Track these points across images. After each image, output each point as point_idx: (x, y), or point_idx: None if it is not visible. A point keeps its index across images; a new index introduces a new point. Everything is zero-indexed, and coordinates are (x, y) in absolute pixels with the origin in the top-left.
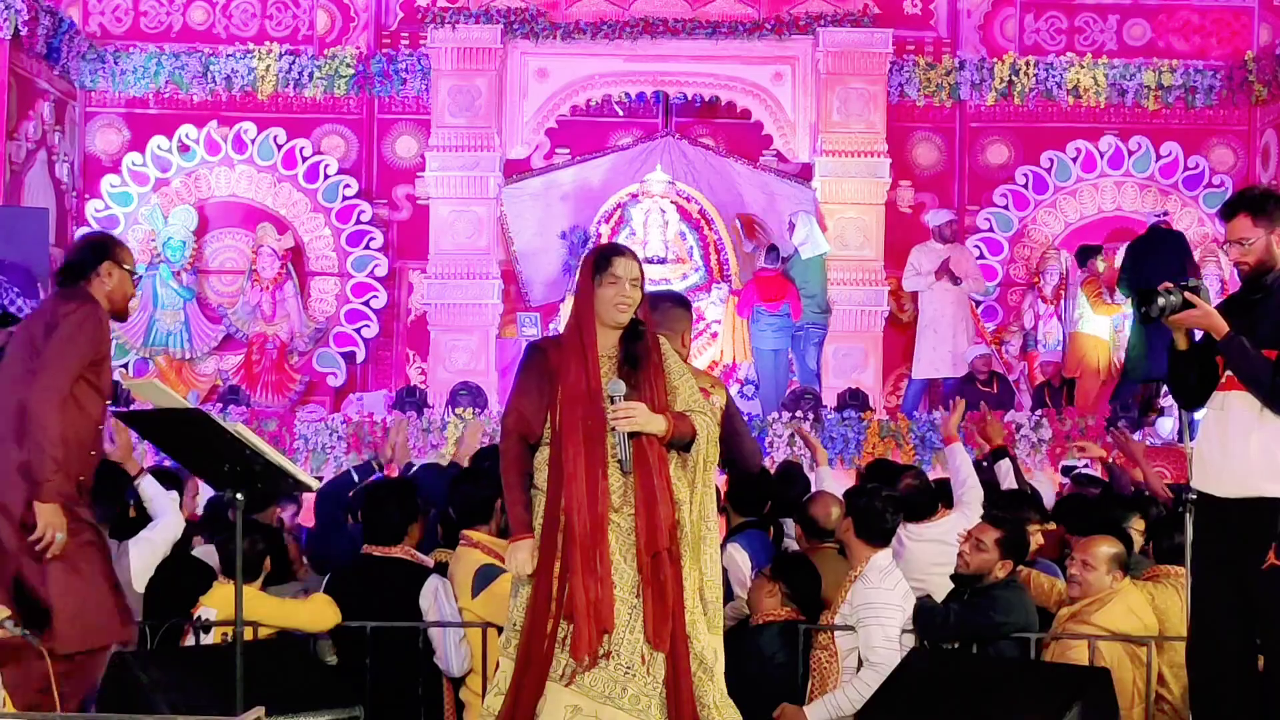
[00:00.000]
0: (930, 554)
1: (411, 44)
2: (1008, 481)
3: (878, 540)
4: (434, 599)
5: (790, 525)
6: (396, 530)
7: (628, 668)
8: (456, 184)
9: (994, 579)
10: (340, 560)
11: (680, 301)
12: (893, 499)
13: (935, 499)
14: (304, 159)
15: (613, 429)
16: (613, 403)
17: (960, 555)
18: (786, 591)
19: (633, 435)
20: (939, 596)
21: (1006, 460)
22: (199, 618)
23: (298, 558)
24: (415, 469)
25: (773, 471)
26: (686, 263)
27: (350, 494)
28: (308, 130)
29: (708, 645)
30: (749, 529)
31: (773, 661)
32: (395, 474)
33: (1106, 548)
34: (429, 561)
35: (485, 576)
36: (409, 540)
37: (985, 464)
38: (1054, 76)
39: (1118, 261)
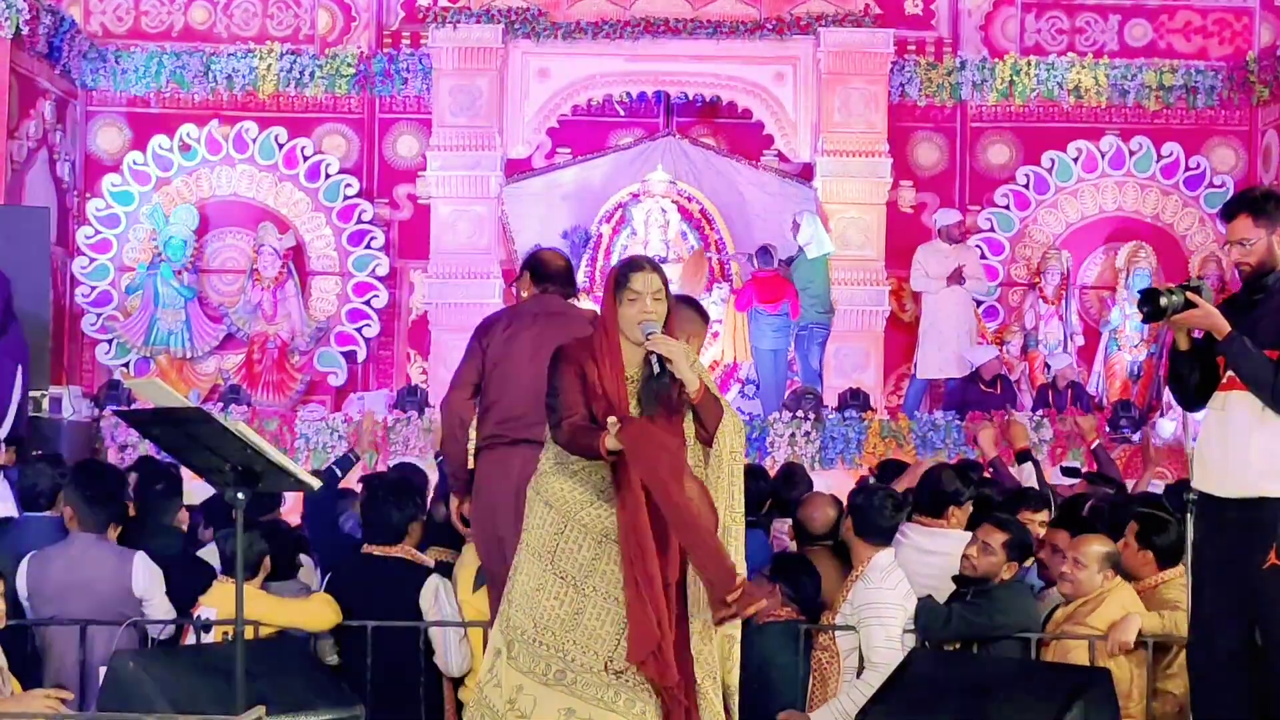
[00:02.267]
0: (911, 560)
1: (413, 43)
2: (1029, 484)
3: (878, 539)
4: (434, 599)
5: (782, 525)
6: (397, 530)
7: (618, 673)
8: (457, 184)
9: (999, 580)
10: (336, 550)
11: (695, 308)
12: (892, 497)
13: (947, 499)
14: (305, 158)
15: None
16: (648, 337)
17: (967, 559)
18: (786, 592)
19: (659, 378)
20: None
21: (1029, 464)
22: (199, 617)
23: None
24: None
25: (774, 471)
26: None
27: (337, 487)
28: (309, 130)
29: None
30: (746, 528)
31: (774, 662)
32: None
33: (1098, 546)
34: (429, 561)
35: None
36: (409, 540)
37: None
38: (1055, 76)
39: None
